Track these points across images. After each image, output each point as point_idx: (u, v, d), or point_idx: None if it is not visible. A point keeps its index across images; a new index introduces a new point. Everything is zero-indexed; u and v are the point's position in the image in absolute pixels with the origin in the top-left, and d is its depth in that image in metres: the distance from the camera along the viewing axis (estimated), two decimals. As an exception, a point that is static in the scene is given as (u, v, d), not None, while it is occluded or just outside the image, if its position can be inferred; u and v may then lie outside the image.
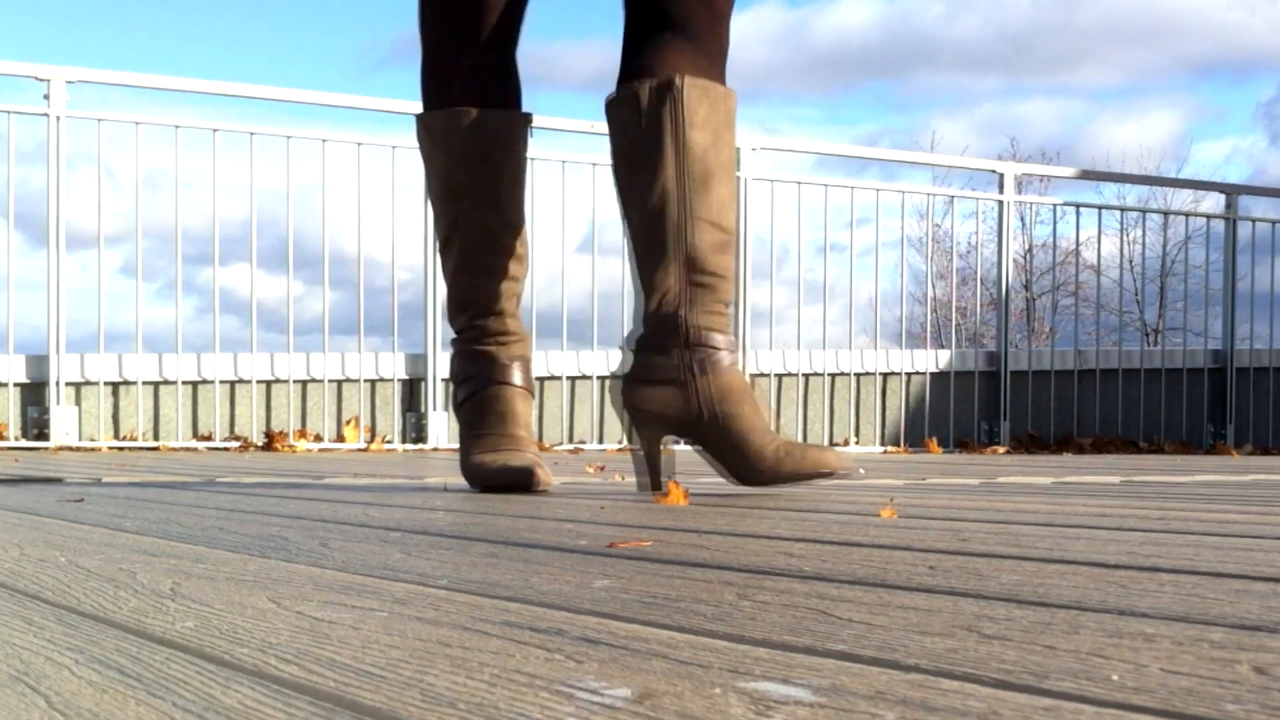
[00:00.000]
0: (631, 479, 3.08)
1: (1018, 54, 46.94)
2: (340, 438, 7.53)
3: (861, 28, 48.65)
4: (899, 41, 45.76)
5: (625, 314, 8.12)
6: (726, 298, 2.78)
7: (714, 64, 2.82)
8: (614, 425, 8.18)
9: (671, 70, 2.76)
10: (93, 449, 6.85)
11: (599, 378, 8.12)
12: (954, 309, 11.48)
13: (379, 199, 7.68)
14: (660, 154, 2.74)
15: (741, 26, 49.26)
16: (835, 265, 19.06)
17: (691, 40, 2.81)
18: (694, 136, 2.74)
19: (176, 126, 7.16)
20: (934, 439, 8.74)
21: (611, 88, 2.90)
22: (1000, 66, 47.69)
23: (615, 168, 2.90)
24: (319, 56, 54.22)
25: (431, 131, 3.03)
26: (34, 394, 7.00)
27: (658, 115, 2.74)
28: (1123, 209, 11.39)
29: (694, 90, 2.74)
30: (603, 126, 8.18)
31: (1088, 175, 12.13)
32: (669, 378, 2.73)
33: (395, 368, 7.68)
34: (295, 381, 7.51)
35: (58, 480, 3.56)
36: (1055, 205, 10.47)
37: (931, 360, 9.09)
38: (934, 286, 23.21)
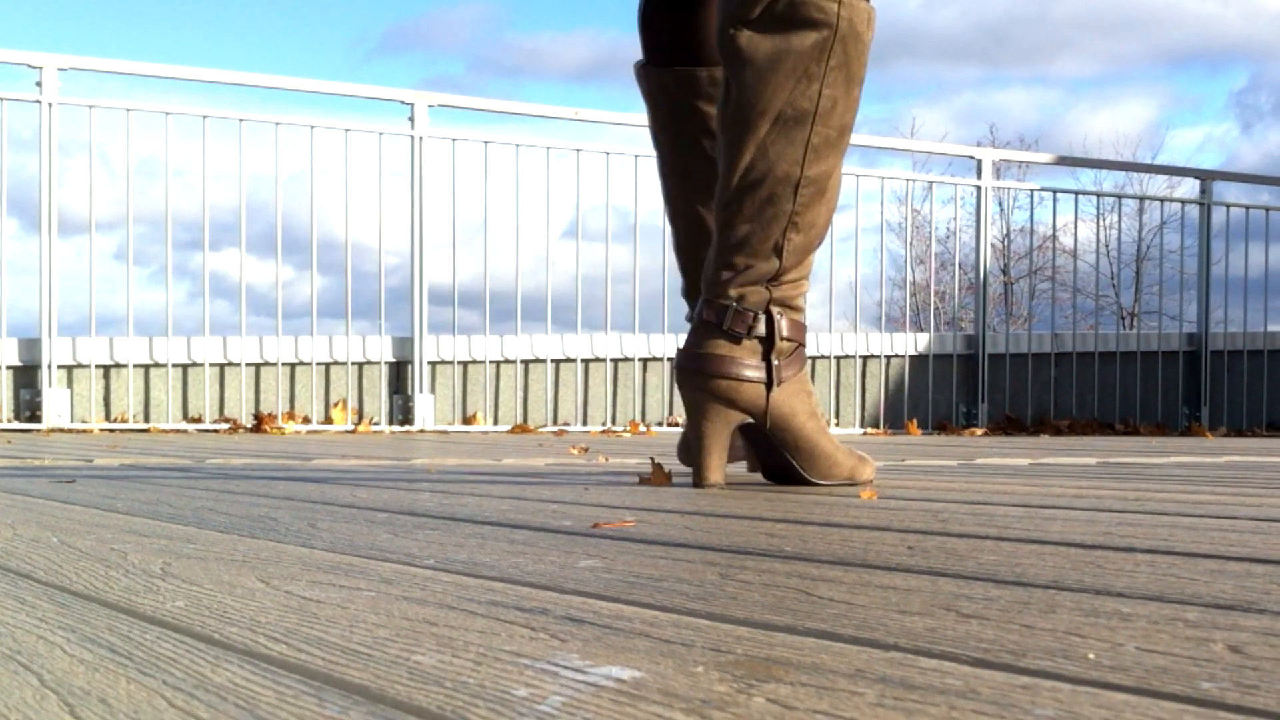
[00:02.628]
0: (618, 461, 3.08)
1: (996, 44, 46.98)
2: (328, 419, 7.53)
3: (842, 17, 48.48)
4: (879, 32, 45.55)
5: (610, 299, 8.12)
6: None
7: None
8: (598, 408, 8.19)
9: None
10: (84, 431, 6.84)
11: (583, 360, 8.12)
12: (933, 293, 11.49)
13: (366, 185, 7.67)
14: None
15: (725, 17, 49.03)
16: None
17: None
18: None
19: (167, 113, 7.14)
20: (913, 421, 8.75)
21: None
22: (979, 57, 47.72)
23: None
24: (310, 48, 54.13)
25: None
26: (26, 377, 6.98)
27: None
28: (1099, 194, 11.42)
29: None
30: (587, 113, 8.18)
31: (1065, 161, 12.14)
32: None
33: (382, 350, 7.68)
34: (284, 364, 7.50)
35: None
36: (1033, 191, 10.48)
37: (911, 343, 9.09)
38: (913, 271, 23.16)
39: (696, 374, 2.46)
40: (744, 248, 2.44)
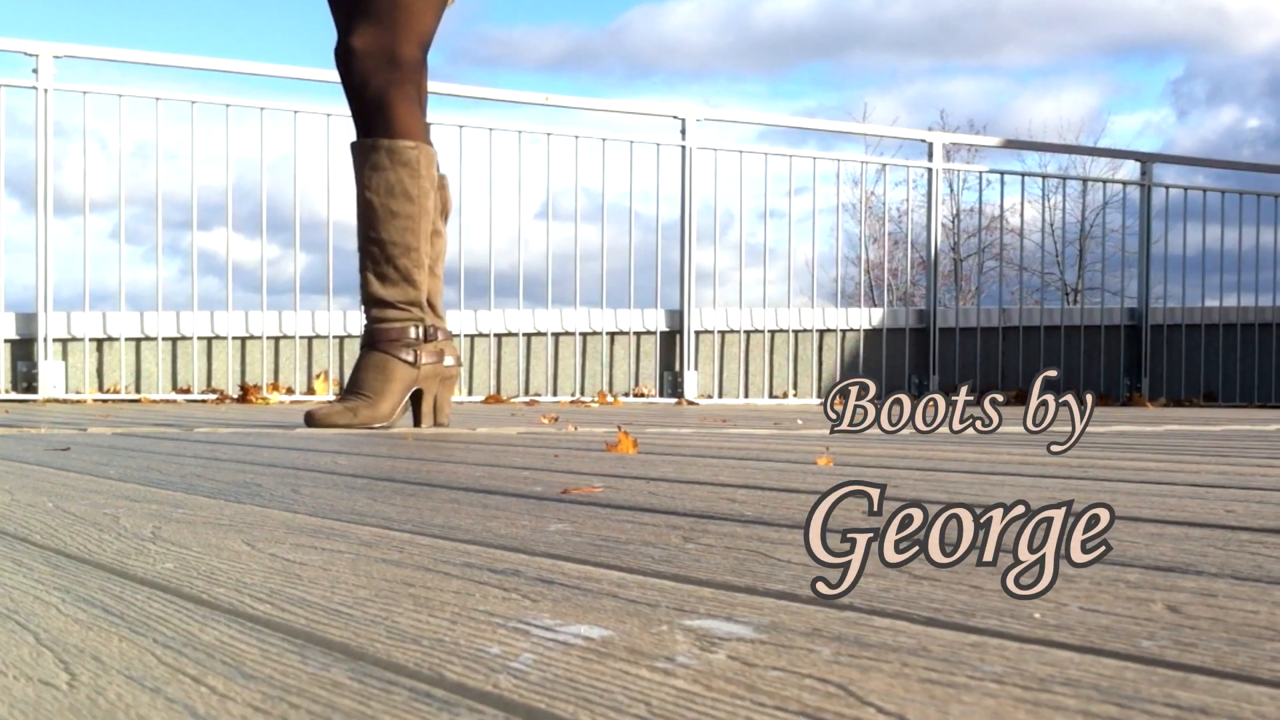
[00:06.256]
0: (586, 430, 3.08)
1: (946, 36, 47.03)
2: (311, 390, 7.51)
3: (799, 11, 48.66)
4: (835, 24, 45.79)
5: (579, 276, 8.11)
6: None
7: None
8: (567, 379, 8.18)
9: None
10: (78, 401, 6.81)
11: (553, 334, 8.11)
12: (886, 270, 11.48)
13: (348, 167, 7.62)
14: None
15: (688, 12, 49.21)
16: (775, 230, 19.05)
17: None
18: None
19: (157, 99, 7.10)
20: (868, 392, 8.75)
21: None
22: (929, 48, 47.78)
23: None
24: (294, 37, 53.85)
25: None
26: (23, 349, 6.96)
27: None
28: (1045, 176, 11.42)
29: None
30: (557, 99, 8.14)
31: (1012, 144, 12.14)
32: None
33: (362, 325, 7.65)
34: (269, 338, 7.48)
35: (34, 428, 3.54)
36: (981, 173, 10.49)
37: (865, 318, 9.11)
38: (867, 249, 23.20)
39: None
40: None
